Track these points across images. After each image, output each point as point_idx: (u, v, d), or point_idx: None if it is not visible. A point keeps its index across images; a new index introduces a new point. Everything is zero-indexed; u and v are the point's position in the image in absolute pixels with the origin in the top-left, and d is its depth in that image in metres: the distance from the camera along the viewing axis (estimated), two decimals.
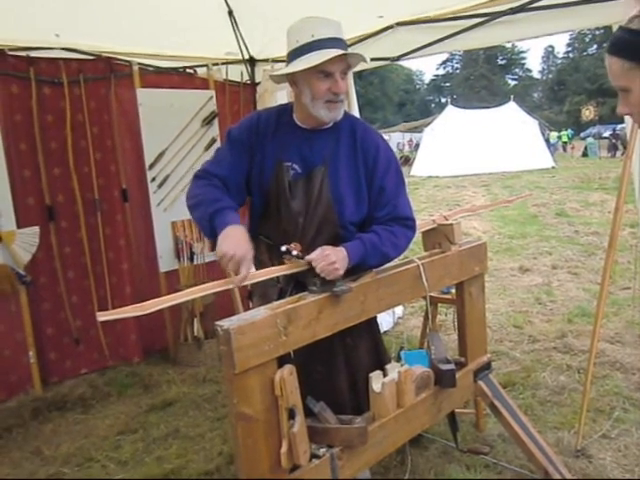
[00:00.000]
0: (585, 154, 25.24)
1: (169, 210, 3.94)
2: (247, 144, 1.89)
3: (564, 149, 29.31)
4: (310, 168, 1.85)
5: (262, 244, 1.93)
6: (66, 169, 3.64)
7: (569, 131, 32.35)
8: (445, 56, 62.17)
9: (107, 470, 2.67)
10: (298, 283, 1.79)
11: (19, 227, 3.39)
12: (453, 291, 2.59)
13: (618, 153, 23.14)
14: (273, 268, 1.72)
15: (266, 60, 4.11)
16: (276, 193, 1.86)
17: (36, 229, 3.47)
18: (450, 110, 22.83)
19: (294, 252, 1.66)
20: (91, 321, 3.77)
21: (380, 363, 1.99)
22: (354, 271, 1.78)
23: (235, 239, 1.60)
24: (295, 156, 1.86)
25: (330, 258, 1.62)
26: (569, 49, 58.75)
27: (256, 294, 2.06)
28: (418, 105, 64.64)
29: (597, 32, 46.95)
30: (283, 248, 1.67)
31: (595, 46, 52.27)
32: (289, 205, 1.84)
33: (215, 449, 2.75)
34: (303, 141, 1.86)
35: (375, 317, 2.08)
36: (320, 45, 1.72)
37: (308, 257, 1.64)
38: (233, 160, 1.88)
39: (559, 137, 29.90)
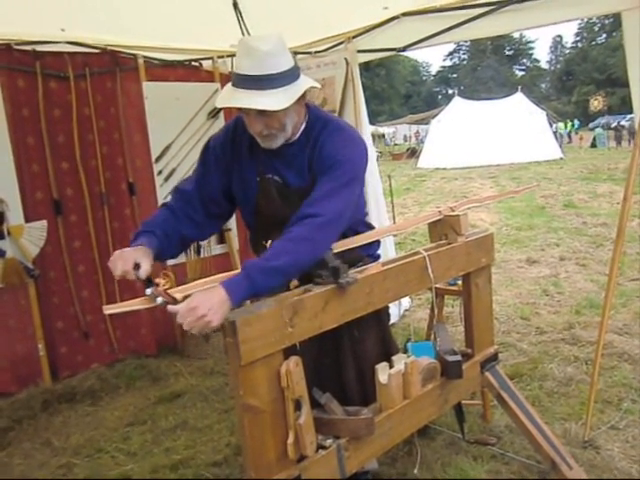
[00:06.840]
0: (594, 145, 25.02)
1: None
2: (222, 159, 1.89)
3: (569, 138, 29.08)
4: (289, 181, 1.83)
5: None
6: (73, 163, 3.64)
7: (575, 122, 32.19)
8: (452, 47, 61.89)
9: (116, 461, 2.70)
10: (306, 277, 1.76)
11: (27, 221, 3.41)
12: (460, 283, 2.59)
13: (624, 143, 22.96)
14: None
15: None
16: (267, 206, 1.86)
17: (44, 223, 3.48)
18: (457, 101, 22.66)
19: (159, 300, 1.47)
20: (100, 315, 3.79)
21: (388, 354, 1.99)
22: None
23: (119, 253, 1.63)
24: (273, 169, 1.85)
25: (197, 312, 1.39)
26: (578, 38, 58.18)
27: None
28: (425, 97, 64.22)
29: (606, 21, 46.51)
30: (148, 291, 1.50)
31: (604, 35, 51.73)
32: (287, 217, 1.83)
33: (223, 440, 2.77)
34: (277, 155, 1.82)
35: (386, 308, 2.09)
36: (238, 82, 1.66)
37: (171, 308, 1.45)
38: (204, 174, 1.90)
39: (565, 126, 29.74)
